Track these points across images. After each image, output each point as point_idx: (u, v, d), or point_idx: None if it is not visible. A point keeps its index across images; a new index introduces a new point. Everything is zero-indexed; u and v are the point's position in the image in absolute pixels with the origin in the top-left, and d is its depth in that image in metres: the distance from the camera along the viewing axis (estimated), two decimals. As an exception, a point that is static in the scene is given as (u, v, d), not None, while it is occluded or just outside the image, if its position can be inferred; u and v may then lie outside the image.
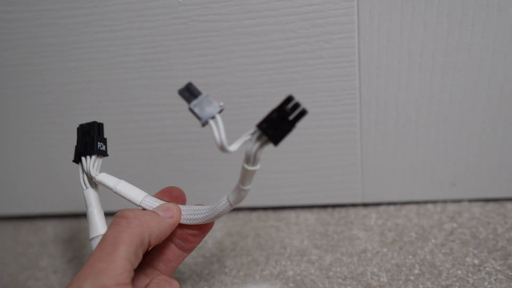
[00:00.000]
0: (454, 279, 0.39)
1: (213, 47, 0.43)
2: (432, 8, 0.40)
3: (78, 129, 0.37)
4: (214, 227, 0.49)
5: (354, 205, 0.50)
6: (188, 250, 0.36)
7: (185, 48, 0.43)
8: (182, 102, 0.46)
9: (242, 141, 0.29)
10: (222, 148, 0.29)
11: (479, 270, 0.40)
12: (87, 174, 0.36)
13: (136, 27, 0.43)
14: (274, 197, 0.50)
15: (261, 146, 0.29)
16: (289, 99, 0.28)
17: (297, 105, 0.28)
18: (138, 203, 0.35)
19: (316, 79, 0.43)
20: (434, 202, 0.49)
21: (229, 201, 0.33)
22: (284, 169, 0.49)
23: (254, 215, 0.51)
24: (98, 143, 0.36)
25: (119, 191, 0.35)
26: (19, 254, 0.51)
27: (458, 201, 0.48)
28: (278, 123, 0.28)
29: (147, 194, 0.35)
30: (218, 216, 0.34)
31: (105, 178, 0.35)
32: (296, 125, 0.28)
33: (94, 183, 0.36)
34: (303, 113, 0.28)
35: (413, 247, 0.43)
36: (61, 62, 0.45)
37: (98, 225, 0.36)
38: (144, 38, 0.43)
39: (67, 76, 0.46)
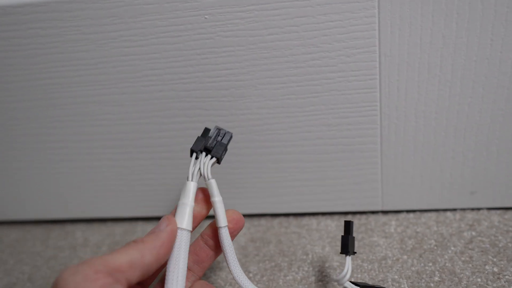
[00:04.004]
0: (474, 286, 0.40)
1: (237, 61, 0.45)
2: (452, 23, 0.41)
3: (216, 128, 0.39)
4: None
5: (374, 212, 0.51)
6: (219, 251, 0.38)
7: (210, 62, 0.45)
8: (206, 113, 0.48)
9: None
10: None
11: (499, 278, 0.41)
12: (200, 170, 0.37)
13: (162, 42, 0.45)
14: (295, 204, 0.52)
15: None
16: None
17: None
18: (220, 225, 0.37)
19: (337, 92, 0.45)
20: (453, 210, 0.50)
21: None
22: (306, 177, 0.50)
23: (276, 221, 0.52)
24: (224, 152, 0.39)
25: (217, 203, 0.37)
26: (50, 258, 0.53)
27: (477, 209, 0.49)
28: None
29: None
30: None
31: (215, 185, 0.37)
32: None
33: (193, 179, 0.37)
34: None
35: (433, 255, 0.44)
36: (90, 75, 0.47)
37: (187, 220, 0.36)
38: (171, 53, 0.45)
39: (95, 88, 0.48)
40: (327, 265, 0.45)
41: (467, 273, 0.42)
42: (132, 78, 0.47)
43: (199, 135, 0.39)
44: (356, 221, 0.51)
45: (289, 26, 0.42)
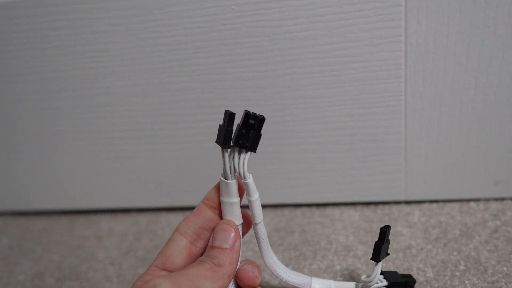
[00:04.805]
0: (500, 275, 0.40)
1: (262, 51, 0.45)
2: (479, 11, 0.40)
3: (245, 113, 0.33)
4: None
5: (396, 202, 0.51)
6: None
7: (235, 53, 0.45)
8: (230, 104, 0.48)
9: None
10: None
11: (524, 267, 0.41)
12: (234, 167, 0.34)
13: (188, 33, 0.45)
14: (318, 194, 0.52)
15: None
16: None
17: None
18: (257, 222, 0.36)
19: (362, 82, 0.45)
20: (476, 200, 0.50)
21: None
22: (328, 167, 0.50)
23: (299, 211, 0.53)
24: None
25: (254, 202, 0.35)
26: (77, 247, 0.54)
27: (501, 199, 0.49)
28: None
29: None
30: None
31: (253, 183, 0.34)
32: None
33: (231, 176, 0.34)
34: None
35: (458, 244, 0.45)
36: (114, 66, 0.48)
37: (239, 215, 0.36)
38: (195, 44, 0.45)
39: (120, 79, 0.48)
40: (351, 254, 0.46)
41: (492, 262, 0.42)
42: (157, 69, 0.47)
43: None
44: (379, 211, 0.51)
45: (315, 16, 0.42)
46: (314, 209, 0.53)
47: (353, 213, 0.51)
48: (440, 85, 0.44)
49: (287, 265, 0.46)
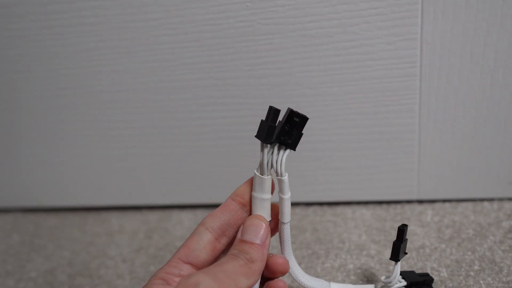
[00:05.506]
0: (516, 275, 0.40)
1: (276, 48, 0.45)
2: (496, 10, 0.40)
3: (290, 111, 0.33)
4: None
5: (409, 201, 0.51)
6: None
7: (249, 50, 0.45)
8: (243, 101, 0.48)
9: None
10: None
11: (540, 268, 0.41)
12: (272, 164, 0.33)
13: (202, 30, 0.45)
14: (330, 193, 0.52)
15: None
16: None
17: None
18: (285, 221, 0.35)
19: (377, 80, 0.45)
20: (490, 200, 0.49)
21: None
22: (341, 166, 0.50)
23: (310, 210, 0.53)
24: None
25: (286, 200, 0.34)
26: (88, 244, 0.54)
27: (516, 199, 0.49)
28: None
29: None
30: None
31: (287, 181, 0.34)
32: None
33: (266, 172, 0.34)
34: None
35: (472, 244, 0.44)
36: (129, 63, 0.48)
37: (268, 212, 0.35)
38: (210, 41, 0.45)
39: (135, 76, 0.48)
40: (364, 253, 0.45)
41: (507, 262, 0.42)
42: (171, 66, 0.47)
43: (263, 118, 0.33)
44: (392, 210, 0.51)
45: (330, 13, 0.42)
46: (326, 208, 0.52)
47: (365, 212, 0.51)
48: (456, 83, 0.44)
49: (299, 264, 0.45)
